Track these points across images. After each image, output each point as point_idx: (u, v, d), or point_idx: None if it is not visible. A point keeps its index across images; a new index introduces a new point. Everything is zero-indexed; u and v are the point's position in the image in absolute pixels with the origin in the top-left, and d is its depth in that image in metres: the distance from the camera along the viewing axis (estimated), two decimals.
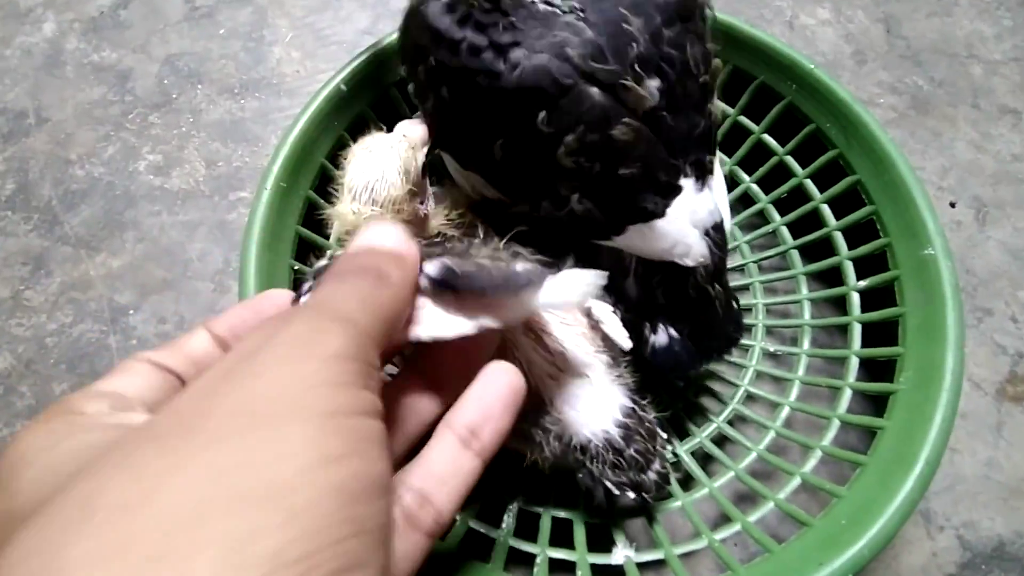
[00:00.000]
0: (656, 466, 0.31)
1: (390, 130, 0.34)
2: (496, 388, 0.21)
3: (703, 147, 0.31)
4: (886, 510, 0.29)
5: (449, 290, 0.20)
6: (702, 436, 0.38)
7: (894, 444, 0.31)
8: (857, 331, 0.38)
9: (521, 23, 0.27)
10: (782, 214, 0.43)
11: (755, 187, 0.44)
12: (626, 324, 0.32)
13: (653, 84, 0.28)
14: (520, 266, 0.22)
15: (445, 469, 0.20)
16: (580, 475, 0.31)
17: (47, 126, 0.50)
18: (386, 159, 0.30)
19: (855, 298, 0.39)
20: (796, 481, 0.34)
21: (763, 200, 0.43)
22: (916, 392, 0.32)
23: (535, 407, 0.29)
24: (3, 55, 0.52)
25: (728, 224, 0.34)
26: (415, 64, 0.30)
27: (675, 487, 0.35)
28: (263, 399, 0.15)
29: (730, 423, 0.38)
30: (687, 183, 0.31)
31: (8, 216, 0.46)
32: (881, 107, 0.55)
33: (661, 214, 0.30)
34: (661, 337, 0.35)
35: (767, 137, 0.42)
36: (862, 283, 0.38)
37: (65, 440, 0.17)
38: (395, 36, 0.37)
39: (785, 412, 0.38)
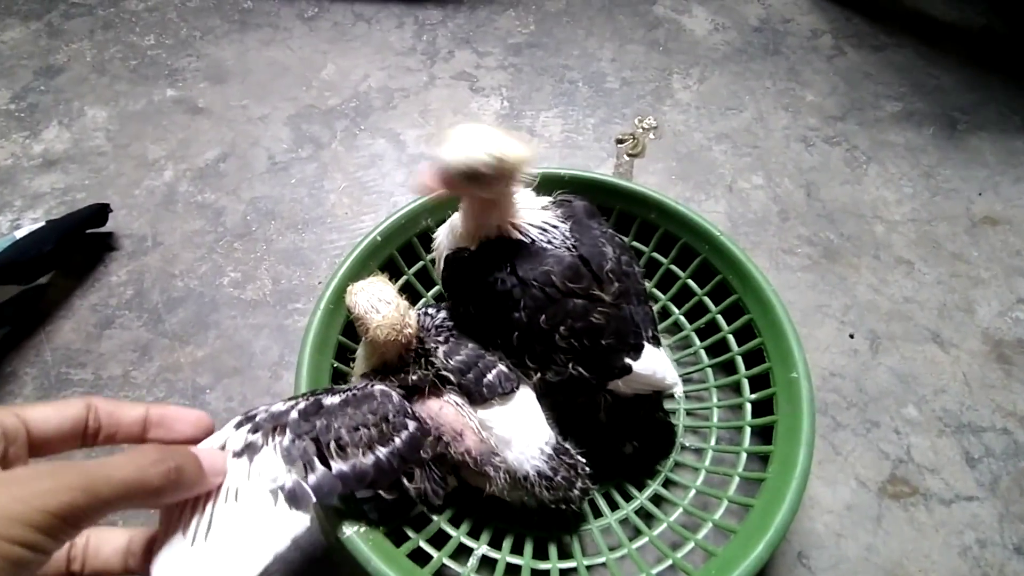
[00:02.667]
0: (579, 485, 0.44)
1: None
2: None
3: (653, 324, 0.47)
4: (743, 564, 0.40)
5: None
6: (628, 509, 0.49)
7: (758, 517, 0.43)
8: (748, 432, 0.50)
9: (522, 260, 0.42)
10: (701, 339, 0.56)
11: (682, 318, 0.58)
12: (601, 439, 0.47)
13: (615, 286, 0.43)
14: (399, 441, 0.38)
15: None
16: (526, 499, 0.43)
17: (160, 248, 0.67)
18: (385, 286, 0.42)
19: (748, 407, 0.51)
20: (691, 545, 0.45)
21: (687, 328, 0.57)
22: (777, 479, 0.44)
23: (487, 452, 0.41)
24: (133, 194, 0.71)
25: (675, 377, 0.48)
26: (458, 287, 0.45)
27: (602, 546, 0.46)
28: None
29: (652, 500, 0.50)
30: (649, 346, 0.45)
31: (125, 315, 0.62)
32: (799, 255, 0.69)
33: (630, 370, 0.44)
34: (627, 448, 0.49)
35: (690, 282, 0.57)
36: (753, 396, 0.51)
37: None
38: (416, 203, 0.54)
39: (692, 493, 0.49)
